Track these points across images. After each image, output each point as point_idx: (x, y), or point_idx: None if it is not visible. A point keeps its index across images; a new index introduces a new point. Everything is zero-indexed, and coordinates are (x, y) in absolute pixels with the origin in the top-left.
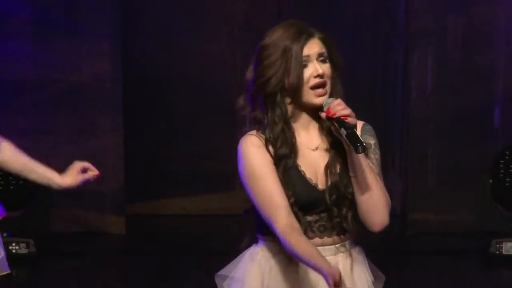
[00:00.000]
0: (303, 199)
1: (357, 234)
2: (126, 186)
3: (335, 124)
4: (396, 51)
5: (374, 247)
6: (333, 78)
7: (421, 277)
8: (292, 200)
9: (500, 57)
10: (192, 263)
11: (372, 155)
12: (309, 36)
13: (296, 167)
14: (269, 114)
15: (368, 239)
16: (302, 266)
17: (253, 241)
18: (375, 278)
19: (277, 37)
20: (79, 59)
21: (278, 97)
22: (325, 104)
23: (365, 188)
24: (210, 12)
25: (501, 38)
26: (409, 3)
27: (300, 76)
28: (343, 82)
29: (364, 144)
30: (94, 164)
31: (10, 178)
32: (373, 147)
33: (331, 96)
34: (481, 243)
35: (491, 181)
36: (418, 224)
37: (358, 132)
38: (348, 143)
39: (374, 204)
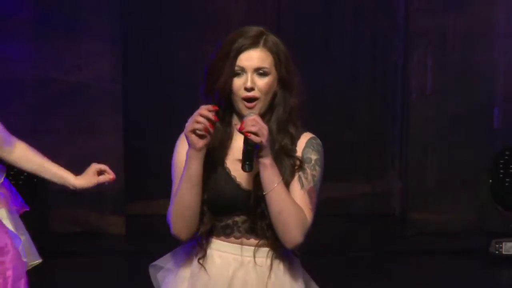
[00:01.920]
0: (225, 195)
1: (277, 245)
2: (126, 186)
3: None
4: (396, 51)
5: (374, 247)
6: (274, 94)
7: (421, 277)
8: (212, 195)
9: (500, 57)
10: None
11: (308, 170)
12: (251, 46)
13: (222, 164)
14: None
15: (368, 239)
16: (234, 264)
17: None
18: None
19: (229, 38)
20: (79, 59)
21: (213, 96)
22: (245, 117)
23: (275, 205)
24: (210, 12)
25: (501, 38)
26: (409, 3)
27: (227, 84)
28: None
29: (251, 165)
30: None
31: (10, 178)
32: (313, 162)
33: (274, 112)
34: (481, 243)
35: (491, 181)
36: (418, 224)
37: (302, 145)
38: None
39: (283, 222)
